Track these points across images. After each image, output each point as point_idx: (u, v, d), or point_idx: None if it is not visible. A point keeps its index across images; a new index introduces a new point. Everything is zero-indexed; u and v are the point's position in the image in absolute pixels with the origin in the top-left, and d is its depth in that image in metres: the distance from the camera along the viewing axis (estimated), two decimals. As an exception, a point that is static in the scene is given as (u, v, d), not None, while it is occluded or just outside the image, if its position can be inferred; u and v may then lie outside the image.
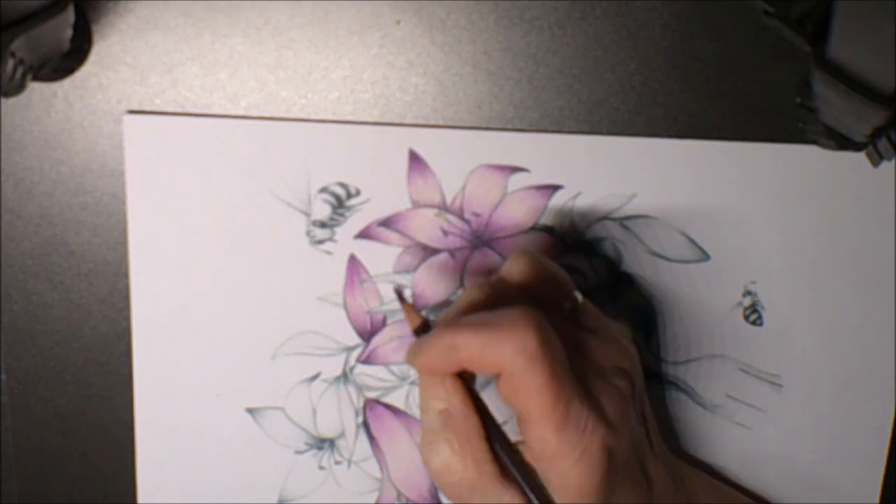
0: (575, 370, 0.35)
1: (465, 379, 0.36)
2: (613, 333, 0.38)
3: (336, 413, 0.43)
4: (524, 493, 0.35)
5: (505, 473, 0.35)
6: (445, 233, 0.42)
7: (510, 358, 0.33)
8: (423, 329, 0.37)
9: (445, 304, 0.42)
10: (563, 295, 0.38)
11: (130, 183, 0.41)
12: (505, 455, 0.35)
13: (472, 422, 0.35)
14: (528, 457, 0.35)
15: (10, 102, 0.41)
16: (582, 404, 0.34)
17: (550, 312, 0.36)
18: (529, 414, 0.34)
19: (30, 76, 0.37)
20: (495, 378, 0.34)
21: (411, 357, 0.36)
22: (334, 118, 0.41)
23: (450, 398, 0.35)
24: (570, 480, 0.34)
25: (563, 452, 0.34)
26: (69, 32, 0.38)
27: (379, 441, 0.44)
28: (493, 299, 0.36)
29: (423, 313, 0.39)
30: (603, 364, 0.37)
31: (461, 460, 0.35)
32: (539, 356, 0.33)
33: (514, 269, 0.38)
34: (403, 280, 0.42)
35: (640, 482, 0.37)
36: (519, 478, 0.35)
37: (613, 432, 0.35)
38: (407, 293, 0.42)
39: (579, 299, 0.38)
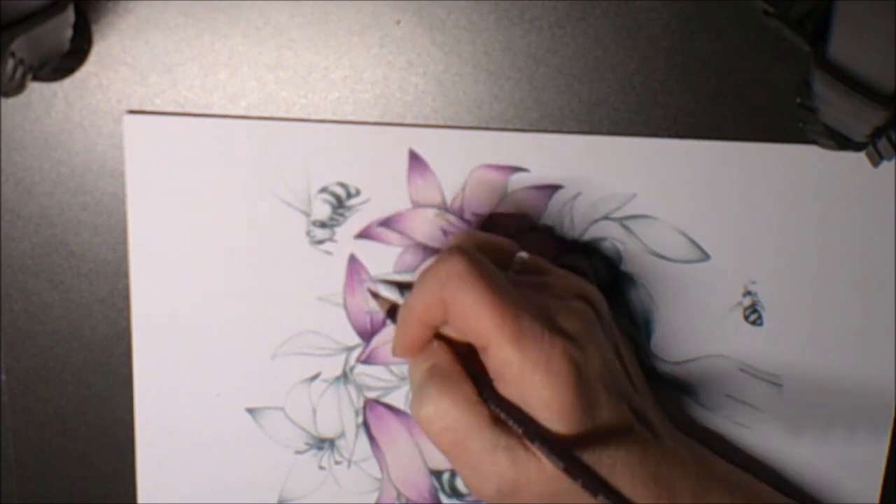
0: (527, 299, 0.35)
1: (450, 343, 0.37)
2: (568, 274, 0.39)
3: (336, 413, 0.43)
4: (517, 433, 0.35)
5: (496, 418, 0.35)
6: (445, 233, 0.42)
7: (445, 286, 0.35)
8: (393, 311, 0.40)
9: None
10: (509, 259, 0.39)
11: (130, 183, 0.41)
12: (493, 398, 0.35)
13: (458, 370, 0.36)
14: (503, 390, 0.35)
15: (10, 102, 0.41)
16: (534, 318, 0.35)
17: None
18: (485, 337, 0.35)
19: (30, 76, 0.37)
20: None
21: (394, 348, 0.38)
22: (334, 118, 0.41)
23: (435, 356, 0.36)
24: (545, 393, 0.34)
25: (528, 367, 0.34)
26: (69, 32, 0.38)
27: (379, 441, 0.44)
28: None
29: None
30: (558, 293, 0.37)
31: (451, 401, 0.35)
32: (471, 275, 0.34)
33: (454, 245, 0.39)
34: (404, 280, 0.42)
35: (624, 412, 0.36)
36: (509, 416, 0.35)
37: (576, 346, 0.35)
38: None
39: (525, 256, 0.39)
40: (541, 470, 0.35)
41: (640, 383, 0.39)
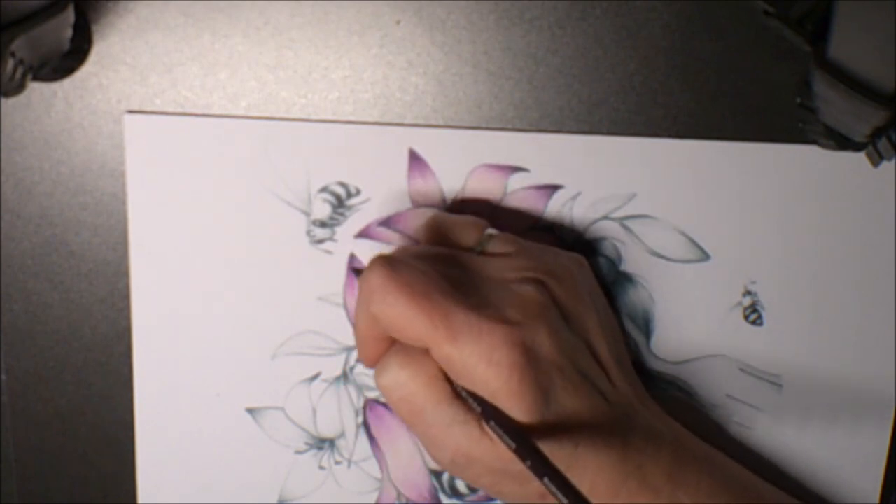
0: (466, 289, 0.36)
1: None
2: (533, 253, 0.39)
3: (336, 413, 0.43)
4: (474, 409, 0.35)
5: (457, 393, 0.35)
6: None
7: (370, 303, 0.35)
8: None
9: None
10: (478, 237, 0.39)
11: (130, 183, 0.41)
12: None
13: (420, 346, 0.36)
14: (456, 384, 0.36)
15: (10, 102, 0.41)
16: (467, 312, 0.35)
17: (467, 253, 0.38)
18: (422, 341, 0.35)
19: (30, 76, 0.37)
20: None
21: (363, 361, 0.38)
22: (334, 118, 0.41)
23: None
24: (492, 384, 0.34)
25: (471, 361, 0.34)
26: (69, 32, 0.38)
27: (379, 441, 0.44)
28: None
29: None
30: (507, 277, 0.37)
31: (410, 373, 0.36)
32: (388, 286, 0.34)
33: (423, 235, 0.40)
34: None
35: (583, 390, 0.36)
36: (466, 393, 0.35)
37: (522, 330, 0.35)
38: None
39: (494, 233, 0.39)
40: (494, 447, 0.35)
41: (613, 364, 0.38)
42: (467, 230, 0.39)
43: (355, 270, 0.42)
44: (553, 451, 0.35)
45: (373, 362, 0.38)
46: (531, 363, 0.35)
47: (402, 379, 0.36)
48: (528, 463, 0.33)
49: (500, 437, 0.34)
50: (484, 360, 0.34)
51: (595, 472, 0.36)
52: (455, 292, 0.35)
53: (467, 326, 0.34)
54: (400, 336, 0.35)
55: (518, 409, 0.34)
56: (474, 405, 0.35)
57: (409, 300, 0.34)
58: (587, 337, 0.38)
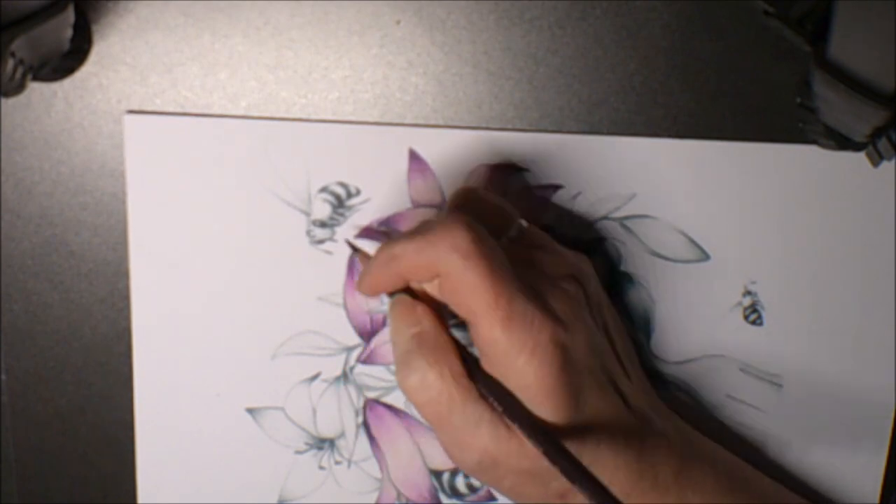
0: (519, 276, 0.35)
1: (436, 309, 0.36)
2: (562, 251, 0.38)
3: (336, 413, 0.43)
4: (498, 411, 0.35)
5: (481, 393, 0.35)
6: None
7: (445, 257, 0.34)
8: None
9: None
10: (507, 224, 0.38)
11: (130, 183, 0.41)
12: (479, 374, 0.35)
13: (445, 339, 0.36)
14: (486, 365, 0.35)
15: (10, 102, 0.41)
16: (527, 300, 0.34)
17: (497, 238, 0.36)
18: (474, 314, 0.34)
19: (30, 76, 0.37)
20: (439, 285, 0.35)
21: (358, 283, 0.37)
22: (334, 118, 0.41)
23: (421, 322, 0.36)
24: (527, 378, 0.34)
25: (514, 349, 0.34)
26: (69, 32, 0.38)
27: (379, 441, 0.44)
28: None
29: None
30: (550, 272, 0.37)
31: (438, 374, 0.35)
32: (473, 252, 0.34)
33: (453, 204, 0.39)
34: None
35: (608, 391, 0.36)
36: (492, 395, 0.35)
37: (564, 330, 0.35)
38: None
39: (524, 225, 0.38)
40: (521, 447, 0.35)
41: (629, 364, 0.39)
42: (503, 215, 0.38)
43: (353, 247, 0.41)
44: (577, 450, 0.35)
45: (375, 291, 0.37)
46: (568, 363, 0.35)
47: (430, 378, 0.35)
48: (557, 463, 0.33)
49: (528, 437, 0.34)
50: (527, 352, 0.34)
51: (612, 471, 0.36)
52: (515, 276, 0.35)
53: (523, 315, 0.34)
54: (453, 298, 0.35)
55: (547, 405, 0.34)
56: (498, 407, 0.34)
57: (486, 271, 0.34)
58: (611, 338, 0.38)
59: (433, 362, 0.35)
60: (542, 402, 0.34)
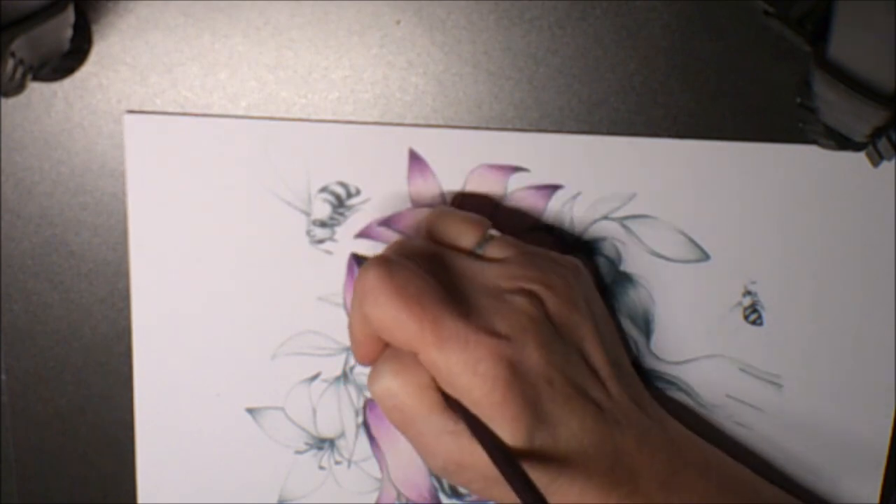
0: (459, 295, 0.36)
1: None
2: (531, 260, 0.38)
3: (336, 413, 0.43)
4: (463, 421, 0.35)
5: (447, 404, 0.35)
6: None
7: (363, 304, 0.35)
8: None
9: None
10: (478, 236, 0.39)
11: (130, 183, 0.41)
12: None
13: (413, 354, 0.36)
14: (443, 387, 0.36)
15: (10, 102, 0.41)
16: (456, 320, 0.35)
17: (466, 253, 0.38)
18: (410, 345, 0.35)
19: (30, 76, 0.37)
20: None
21: (356, 359, 0.38)
22: (334, 118, 0.41)
23: None
24: (474, 394, 0.35)
25: (456, 369, 0.34)
26: (69, 32, 0.38)
27: (379, 441, 0.44)
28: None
29: None
30: (502, 286, 0.37)
31: (402, 382, 0.36)
32: (382, 288, 0.35)
33: (409, 235, 0.40)
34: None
35: (576, 403, 0.36)
36: (455, 408, 0.35)
37: (509, 343, 0.35)
38: None
39: (494, 235, 0.39)
40: (484, 456, 0.35)
41: (609, 366, 0.38)
42: (469, 229, 0.39)
43: (357, 258, 0.42)
44: (542, 461, 0.35)
45: (367, 360, 0.38)
46: (516, 376, 0.35)
47: (394, 388, 0.36)
48: (508, 479, 0.33)
49: (484, 450, 0.34)
50: (469, 370, 0.34)
51: (585, 480, 0.36)
52: (447, 298, 0.35)
53: (455, 335, 0.35)
54: (389, 338, 0.36)
55: (502, 419, 0.35)
56: (461, 416, 0.35)
57: (400, 303, 0.35)
58: (581, 346, 0.38)
59: (398, 372, 0.36)
60: (494, 416, 0.35)
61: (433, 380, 0.36)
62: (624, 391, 0.38)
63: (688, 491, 0.38)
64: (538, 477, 0.35)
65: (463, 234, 0.39)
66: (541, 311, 0.37)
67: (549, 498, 0.33)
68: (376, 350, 0.37)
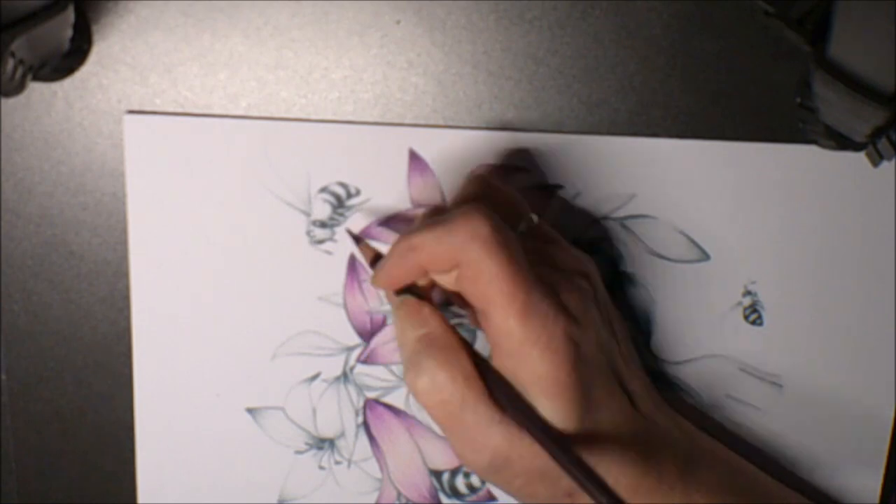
0: (536, 272, 0.35)
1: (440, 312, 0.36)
2: (571, 250, 0.39)
3: (336, 413, 0.43)
4: (510, 412, 0.34)
5: (491, 394, 0.35)
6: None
7: (465, 246, 0.34)
8: (377, 260, 0.39)
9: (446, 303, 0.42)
10: (518, 217, 0.38)
11: (130, 183, 0.41)
12: (489, 375, 0.35)
13: (454, 339, 0.35)
14: (497, 357, 0.35)
15: (10, 102, 0.41)
16: (543, 293, 0.34)
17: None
18: (491, 304, 0.34)
19: (30, 76, 0.37)
20: (456, 275, 0.35)
21: (375, 276, 0.37)
22: (334, 118, 0.41)
23: (428, 322, 0.36)
24: (540, 370, 0.34)
25: (529, 341, 0.34)
26: (69, 32, 0.38)
27: (379, 441, 0.44)
28: None
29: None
30: (562, 267, 0.37)
31: (448, 374, 0.35)
32: (493, 241, 0.34)
33: (467, 192, 0.38)
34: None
35: (616, 390, 0.37)
36: (503, 394, 0.35)
37: (577, 325, 0.35)
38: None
39: (535, 220, 0.38)
40: (533, 446, 0.35)
41: (633, 363, 0.39)
42: (515, 208, 0.38)
43: (353, 236, 0.40)
44: (586, 447, 0.35)
45: (393, 284, 0.36)
46: (579, 359, 0.35)
47: (441, 380, 0.34)
48: (563, 464, 0.33)
49: (534, 436, 0.34)
50: (541, 345, 0.34)
51: (618, 468, 0.36)
52: (532, 268, 0.35)
53: (540, 308, 0.34)
54: (470, 287, 0.34)
55: (559, 400, 0.34)
56: (508, 405, 0.34)
57: (506, 261, 0.34)
58: (616, 337, 0.38)
59: (443, 363, 0.35)
60: (554, 395, 0.34)
61: (475, 369, 0.35)
62: (644, 383, 0.39)
63: (704, 483, 0.38)
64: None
65: (509, 211, 0.38)
66: (594, 296, 0.37)
67: None
68: (410, 279, 0.36)
